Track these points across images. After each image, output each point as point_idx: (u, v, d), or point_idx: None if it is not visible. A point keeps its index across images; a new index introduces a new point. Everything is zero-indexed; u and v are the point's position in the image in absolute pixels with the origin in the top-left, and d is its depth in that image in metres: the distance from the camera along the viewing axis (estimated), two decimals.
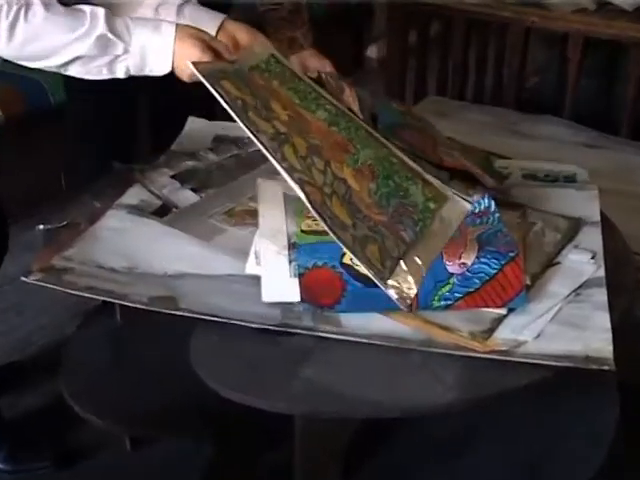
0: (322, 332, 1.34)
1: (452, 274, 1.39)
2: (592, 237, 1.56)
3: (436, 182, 1.47)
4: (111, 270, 1.47)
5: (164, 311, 1.38)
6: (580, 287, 1.43)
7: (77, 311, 2.11)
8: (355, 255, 1.26)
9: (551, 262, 1.49)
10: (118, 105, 2.03)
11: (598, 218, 1.63)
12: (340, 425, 1.46)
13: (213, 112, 1.93)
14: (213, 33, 1.57)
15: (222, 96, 1.32)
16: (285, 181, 1.34)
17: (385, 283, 1.26)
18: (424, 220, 1.39)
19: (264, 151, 1.30)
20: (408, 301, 1.27)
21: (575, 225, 1.60)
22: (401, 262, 1.31)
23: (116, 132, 2.11)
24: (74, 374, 1.66)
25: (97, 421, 1.62)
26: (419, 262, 1.34)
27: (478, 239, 1.44)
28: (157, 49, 1.45)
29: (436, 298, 1.37)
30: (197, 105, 1.96)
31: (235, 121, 1.32)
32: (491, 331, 1.34)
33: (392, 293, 1.29)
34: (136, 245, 1.54)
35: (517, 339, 1.31)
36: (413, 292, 1.29)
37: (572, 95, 2.68)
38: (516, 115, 2.33)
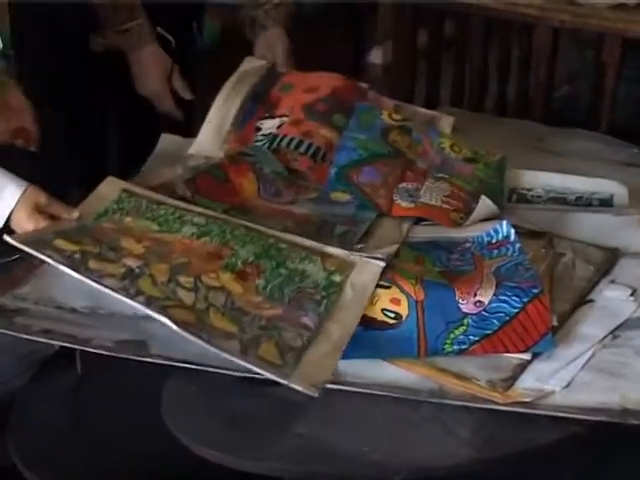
0: None
1: (466, 314, 1.42)
2: (631, 270, 1.60)
3: (338, 252, 1.56)
4: (71, 311, 1.51)
5: (133, 358, 1.41)
6: (617, 329, 1.46)
7: (30, 360, 2.12)
8: (247, 362, 1.32)
9: (583, 299, 1.52)
10: (81, 121, 2.08)
11: (639, 248, 1.65)
12: None
13: (189, 131, 1.99)
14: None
15: (52, 257, 1.44)
16: None
17: (288, 378, 1.31)
18: (329, 297, 1.47)
19: (114, 294, 1.39)
20: (318, 390, 1.31)
21: (611, 256, 1.63)
22: (308, 350, 1.37)
23: (74, 151, 2.16)
24: (26, 435, 1.67)
25: None
26: (333, 341, 1.39)
27: (496, 273, 1.47)
28: None
29: (448, 342, 1.40)
30: (172, 121, 2.02)
31: None
32: (513, 379, 1.36)
33: (299, 387, 1.31)
34: None
35: (543, 389, 1.34)
36: (326, 377, 1.33)
37: (609, 105, 2.71)
38: (544, 129, 2.35)
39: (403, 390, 1.34)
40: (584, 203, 1.85)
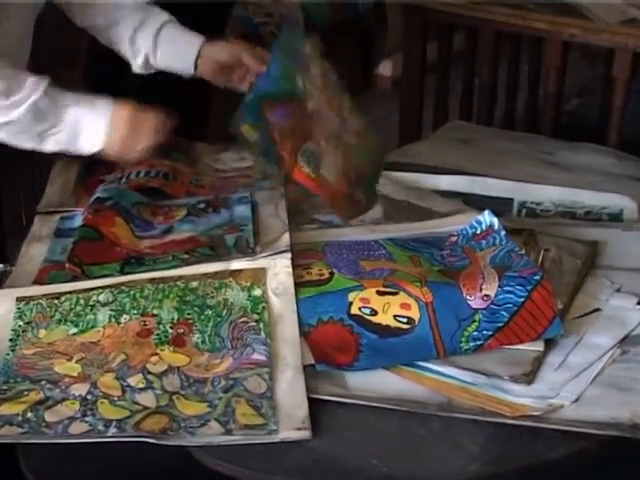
0: (325, 394, 1.37)
1: (476, 310, 1.43)
2: (637, 280, 1.60)
3: (244, 263, 1.56)
4: None
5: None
6: (627, 342, 1.46)
7: None
8: (236, 441, 1.30)
9: (576, 290, 1.55)
10: None
11: None
12: None
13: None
14: (191, 62, 1.83)
15: (8, 436, 1.35)
16: None
17: (277, 433, 1.29)
18: (261, 317, 1.47)
19: (88, 440, 1.32)
20: (308, 429, 1.30)
21: (593, 249, 1.65)
22: (276, 388, 1.36)
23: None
24: (32, 443, 1.68)
25: None
26: (290, 364, 1.39)
27: (492, 263, 1.49)
28: (89, 126, 1.67)
29: (463, 339, 1.41)
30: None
31: None
32: (533, 374, 1.38)
33: (291, 437, 1.29)
34: None
35: (552, 402, 1.34)
36: (305, 411, 1.32)
37: (618, 120, 2.72)
38: (552, 143, 2.35)
39: (412, 403, 1.35)
40: (593, 217, 1.85)
